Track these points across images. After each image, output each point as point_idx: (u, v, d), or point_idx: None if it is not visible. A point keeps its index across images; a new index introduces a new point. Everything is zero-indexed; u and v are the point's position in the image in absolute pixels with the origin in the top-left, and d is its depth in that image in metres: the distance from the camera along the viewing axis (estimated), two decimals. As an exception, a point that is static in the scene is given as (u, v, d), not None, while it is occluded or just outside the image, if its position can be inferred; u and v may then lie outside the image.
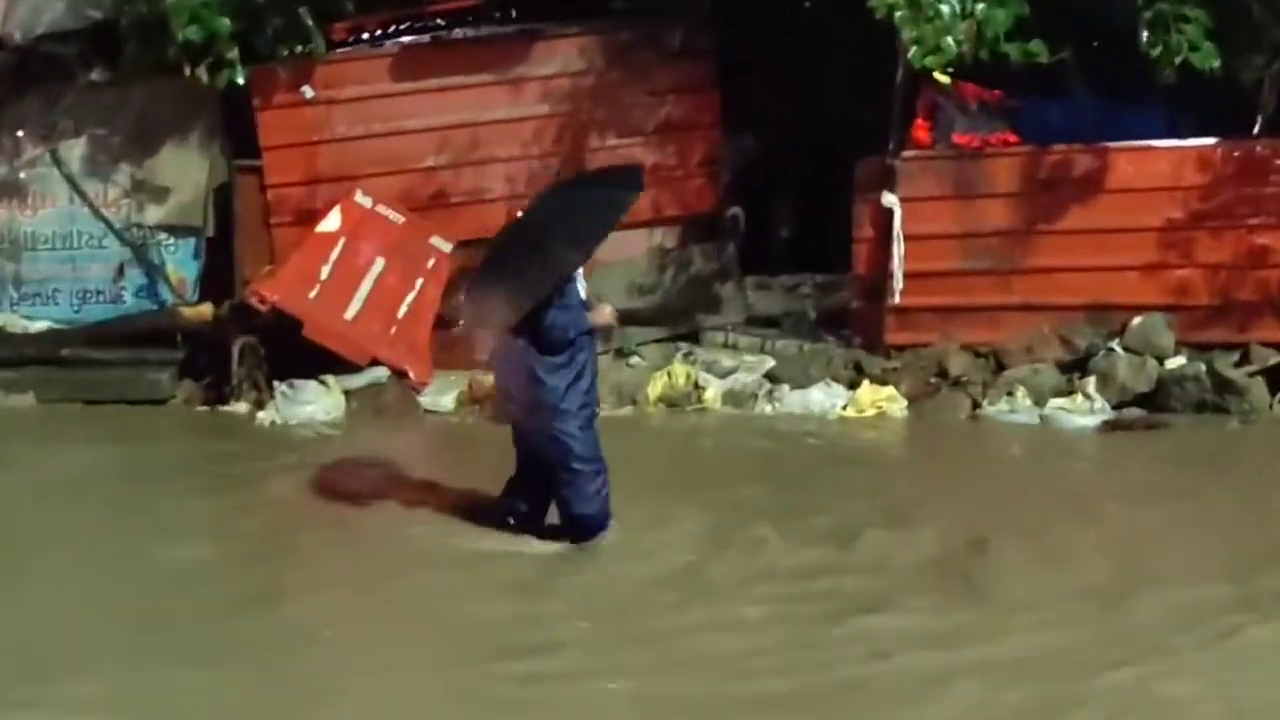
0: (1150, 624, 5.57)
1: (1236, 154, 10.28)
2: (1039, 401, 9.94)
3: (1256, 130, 10.44)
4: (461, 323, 6.91)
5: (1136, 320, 10.15)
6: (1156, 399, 9.88)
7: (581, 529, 6.61)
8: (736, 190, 11.55)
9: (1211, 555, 6.51)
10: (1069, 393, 9.99)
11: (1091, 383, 9.95)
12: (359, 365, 10.47)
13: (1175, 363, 10.05)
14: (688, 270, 11.36)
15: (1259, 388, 9.82)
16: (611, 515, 6.68)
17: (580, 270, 6.53)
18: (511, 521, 6.79)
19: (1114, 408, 9.84)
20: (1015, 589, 6.04)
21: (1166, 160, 10.33)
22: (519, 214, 6.73)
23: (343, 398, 10.31)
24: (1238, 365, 9.99)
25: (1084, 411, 9.80)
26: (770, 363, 10.69)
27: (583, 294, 6.55)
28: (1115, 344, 10.11)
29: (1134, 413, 9.82)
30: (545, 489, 6.64)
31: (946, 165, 10.65)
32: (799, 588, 6.15)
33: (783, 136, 11.32)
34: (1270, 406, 9.79)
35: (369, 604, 6.15)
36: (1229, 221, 10.24)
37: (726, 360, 10.82)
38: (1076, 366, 10.17)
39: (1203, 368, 9.86)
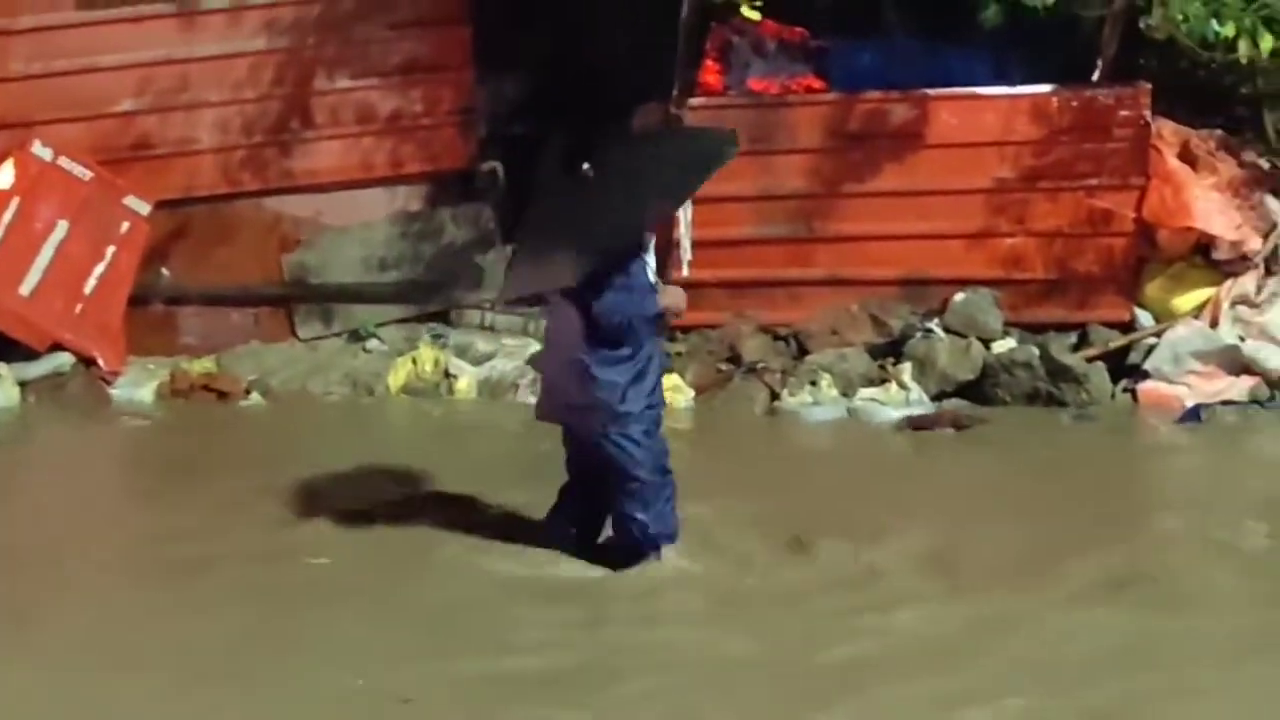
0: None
1: (1075, 104, 9.96)
2: (847, 391, 9.58)
3: (1096, 76, 10.16)
4: (505, 287, 6.40)
5: (959, 297, 9.85)
6: (982, 388, 9.54)
7: (646, 546, 6.16)
8: (495, 143, 10.99)
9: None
10: (881, 381, 9.66)
11: (907, 370, 9.64)
12: (37, 350, 9.88)
13: (1004, 346, 9.75)
14: (436, 238, 10.75)
15: (1099, 375, 9.54)
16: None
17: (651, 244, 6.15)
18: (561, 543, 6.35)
19: (933, 398, 9.52)
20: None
21: (995, 111, 9.99)
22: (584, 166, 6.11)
23: (16, 390, 9.69)
24: (1075, 349, 9.73)
25: (899, 403, 9.44)
26: (535, 347, 10.04)
27: (650, 273, 6.06)
28: (935, 324, 9.82)
29: (954, 404, 9.45)
30: (598, 505, 6.26)
31: (740, 115, 9.96)
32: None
33: (550, 79, 10.82)
34: (1112, 396, 9.52)
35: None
36: (1067, 182, 9.93)
37: (483, 344, 10.30)
38: (890, 351, 9.85)
39: (1035, 352, 9.54)
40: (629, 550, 6.21)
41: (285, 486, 7.39)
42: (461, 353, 10.16)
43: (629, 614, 5.90)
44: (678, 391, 9.57)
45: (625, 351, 5.93)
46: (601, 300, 5.83)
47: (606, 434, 5.96)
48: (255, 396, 9.82)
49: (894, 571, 6.34)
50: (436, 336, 10.34)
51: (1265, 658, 5.37)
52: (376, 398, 9.86)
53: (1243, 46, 9.20)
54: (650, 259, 6.11)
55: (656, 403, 6.15)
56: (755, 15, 9.66)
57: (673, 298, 6.22)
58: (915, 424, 9.07)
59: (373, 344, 10.38)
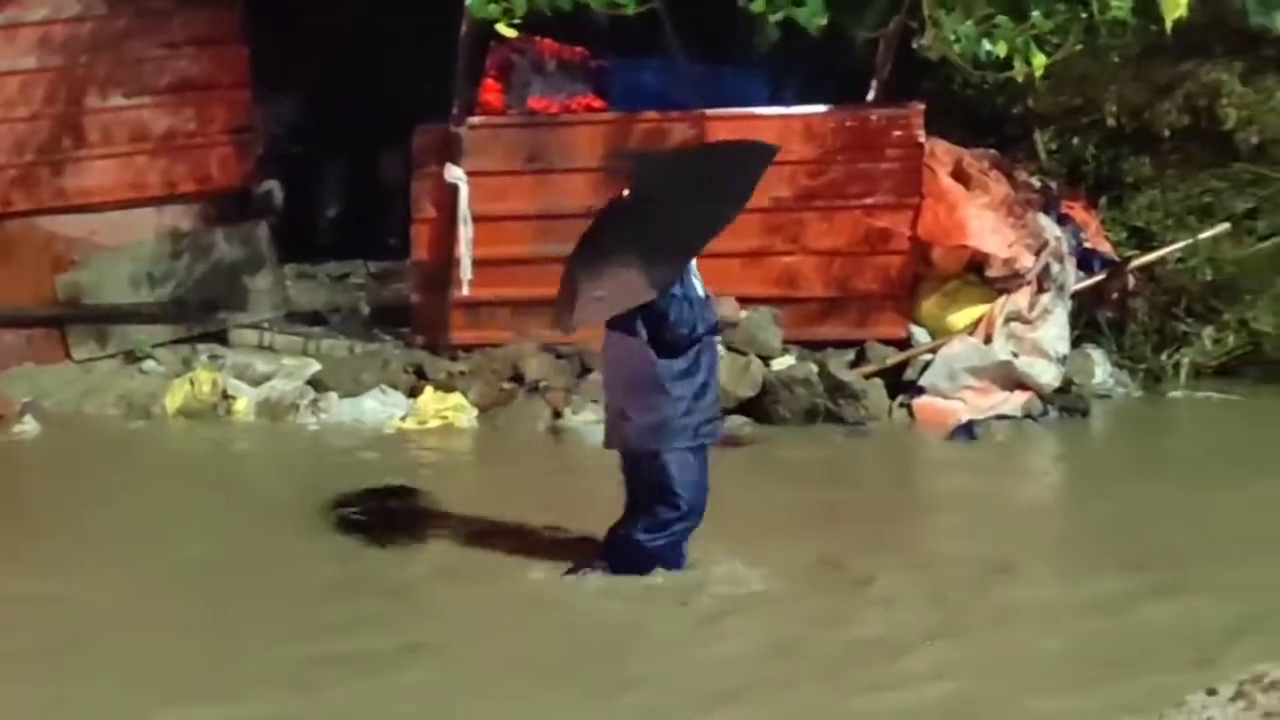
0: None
1: (849, 124, 10.73)
2: None
3: (871, 97, 10.95)
4: (577, 316, 6.51)
5: (740, 315, 10.35)
6: (762, 405, 10.15)
7: (642, 561, 6.56)
8: (272, 162, 11.56)
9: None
10: None
11: None
12: None
13: (783, 363, 10.38)
14: (210, 257, 11.25)
15: (877, 391, 10.23)
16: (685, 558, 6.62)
17: (695, 261, 6.52)
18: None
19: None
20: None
21: (770, 131, 10.30)
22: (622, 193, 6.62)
23: None
24: (853, 365, 10.41)
25: None
26: (314, 366, 10.67)
27: (699, 286, 6.51)
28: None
29: (735, 421, 9.97)
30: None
31: (520, 134, 10.81)
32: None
33: (329, 99, 11.43)
34: (889, 412, 10.22)
35: None
36: (843, 201, 10.68)
37: (262, 364, 10.76)
38: None
39: (814, 369, 10.19)
40: (623, 554, 6.66)
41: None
42: (239, 373, 10.60)
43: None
44: (460, 410, 10.17)
45: (689, 364, 6.38)
46: (669, 314, 6.31)
47: (665, 449, 6.41)
48: (29, 420, 10.11)
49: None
50: (214, 357, 10.79)
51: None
52: (153, 419, 10.26)
53: (1016, 66, 9.95)
54: (696, 273, 6.52)
55: (716, 416, 6.57)
56: (511, 32, 10.02)
57: (727, 308, 6.86)
58: None
59: (149, 365, 10.79)
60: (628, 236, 6.31)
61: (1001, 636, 6.12)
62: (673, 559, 6.60)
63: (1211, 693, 3.20)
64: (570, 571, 6.72)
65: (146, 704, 5.42)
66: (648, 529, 6.53)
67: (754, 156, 6.90)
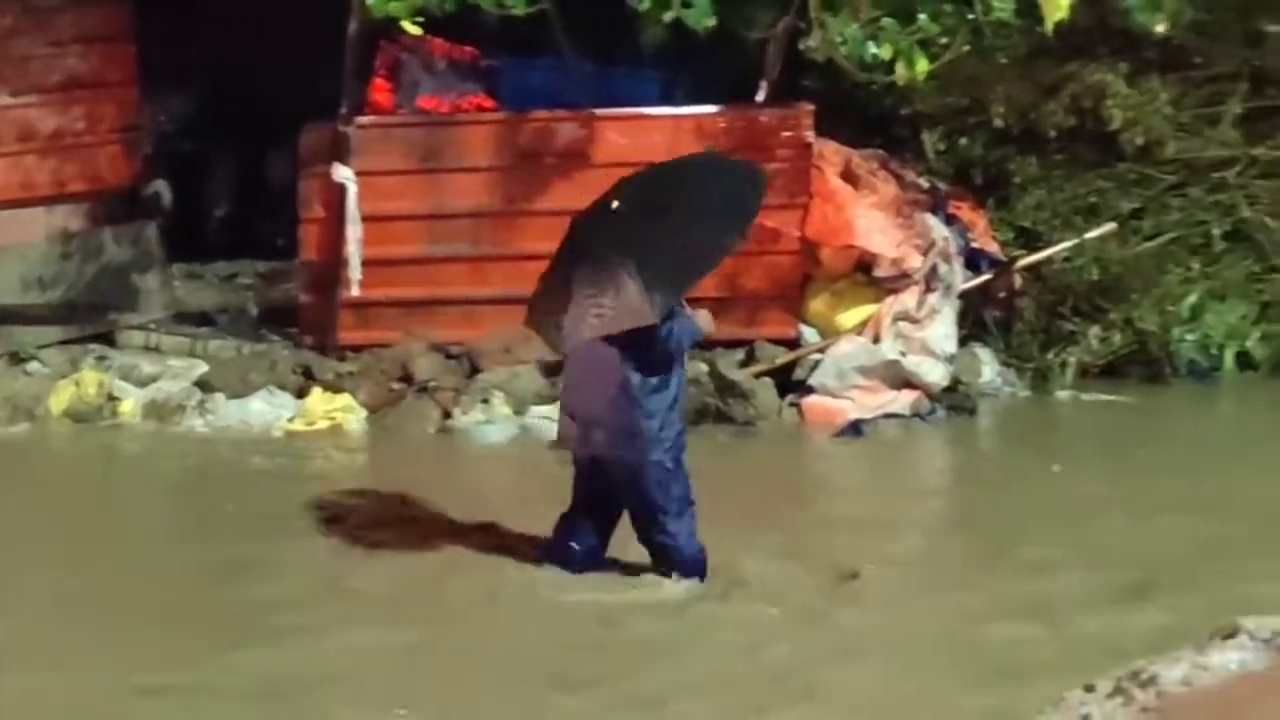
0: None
1: (739, 124, 11.02)
2: (519, 410, 10.40)
3: (760, 97, 11.25)
4: (571, 328, 6.64)
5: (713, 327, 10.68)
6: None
7: (698, 565, 6.92)
8: (161, 161, 11.69)
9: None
10: (553, 399, 10.08)
11: None
12: None
13: None
14: (98, 258, 11.37)
15: (766, 390, 10.53)
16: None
17: None
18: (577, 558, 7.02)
19: None
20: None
21: (661, 131, 10.92)
22: (612, 202, 6.79)
23: None
24: (743, 365, 10.70)
25: None
26: (202, 368, 10.83)
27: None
28: None
29: None
30: (613, 522, 6.97)
31: (410, 133, 11.02)
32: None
33: (218, 98, 11.59)
34: (779, 411, 10.54)
35: None
36: None
37: (148, 366, 10.89)
38: (561, 369, 10.42)
39: (704, 369, 10.42)
40: (683, 565, 6.97)
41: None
42: (126, 375, 10.73)
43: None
44: (349, 411, 10.38)
45: (663, 379, 6.69)
46: (666, 331, 6.55)
47: (645, 461, 6.69)
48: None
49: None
50: (100, 359, 10.91)
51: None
52: (37, 421, 10.39)
53: (899, 69, 10.23)
54: None
55: (684, 429, 6.82)
56: (417, 30, 10.22)
57: (705, 321, 7.06)
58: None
59: (34, 366, 10.89)
60: (630, 255, 6.43)
61: (889, 626, 6.44)
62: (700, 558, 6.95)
63: (1089, 689, 3.01)
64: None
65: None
66: (678, 537, 6.88)
67: (753, 182, 7.19)
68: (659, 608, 6.87)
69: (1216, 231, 11.76)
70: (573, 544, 7.14)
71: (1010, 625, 6.50)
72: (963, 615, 6.65)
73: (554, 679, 6.11)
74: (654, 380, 6.56)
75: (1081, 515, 8.09)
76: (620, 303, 6.34)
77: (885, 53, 10.17)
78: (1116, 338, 11.50)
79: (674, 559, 6.97)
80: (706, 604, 6.92)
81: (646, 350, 6.55)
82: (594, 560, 7.15)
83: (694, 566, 6.99)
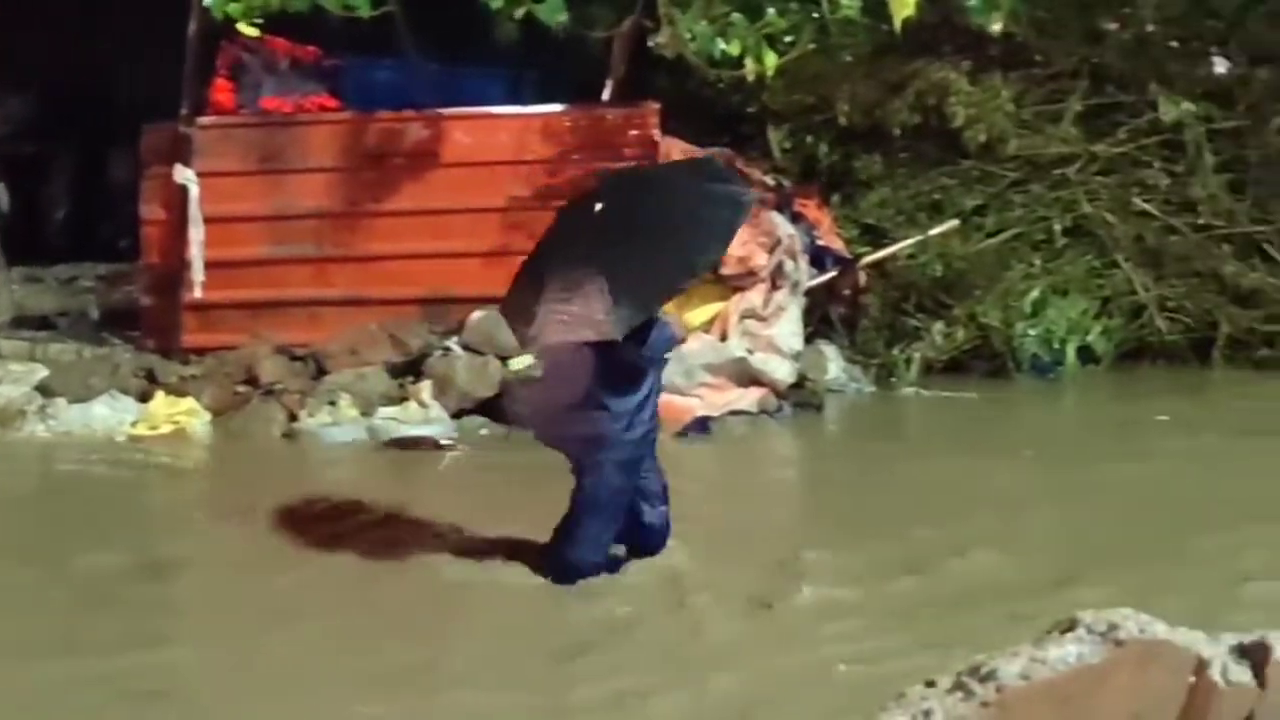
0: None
1: (585, 123, 11.38)
2: (367, 411, 10.58)
3: (607, 96, 11.63)
4: (543, 332, 6.62)
5: (477, 315, 10.92)
6: (501, 404, 10.57)
7: (571, 572, 6.92)
8: (-1, 162, 11.83)
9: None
10: (401, 400, 10.67)
11: (426, 388, 10.65)
12: None
13: (521, 362, 10.71)
14: (-68, 261, 11.46)
15: None
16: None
17: None
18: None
19: (453, 415, 10.56)
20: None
21: (508, 130, 11.32)
22: (595, 205, 6.79)
23: None
24: None
25: (419, 421, 10.47)
26: (42, 372, 10.92)
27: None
28: (453, 343, 10.91)
29: (475, 421, 10.58)
30: (634, 515, 6.95)
31: (252, 134, 11.28)
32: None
33: (57, 99, 11.73)
34: None
35: None
36: None
37: (-14, 371, 10.90)
38: (409, 370, 10.89)
39: None
40: (563, 564, 6.97)
41: None
42: None
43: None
44: (193, 414, 10.54)
45: (633, 383, 6.75)
46: (643, 341, 6.62)
47: (602, 460, 6.75)
48: None
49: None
50: None
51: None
52: None
53: (749, 64, 10.56)
54: None
55: (654, 429, 6.97)
56: (254, 31, 10.40)
57: (677, 327, 7.28)
58: (398, 444, 10.10)
59: None
60: (602, 264, 6.46)
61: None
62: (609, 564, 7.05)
63: (930, 684, 2.97)
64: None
65: None
66: (575, 536, 6.94)
67: (734, 193, 7.15)
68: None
69: (1058, 227, 12.33)
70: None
71: (873, 620, 6.60)
72: (816, 615, 6.73)
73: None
74: (624, 384, 6.73)
75: (943, 508, 8.31)
76: (584, 312, 6.35)
77: (734, 49, 10.49)
78: (960, 333, 12.00)
79: (562, 551, 7.02)
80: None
81: (616, 359, 6.62)
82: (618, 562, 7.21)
83: (570, 571, 7.01)
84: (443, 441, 10.11)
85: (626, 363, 6.64)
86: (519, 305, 6.81)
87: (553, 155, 11.37)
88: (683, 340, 7.53)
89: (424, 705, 5.73)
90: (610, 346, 6.45)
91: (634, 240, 6.54)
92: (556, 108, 11.46)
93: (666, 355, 7.01)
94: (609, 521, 6.83)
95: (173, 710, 5.80)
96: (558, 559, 7.01)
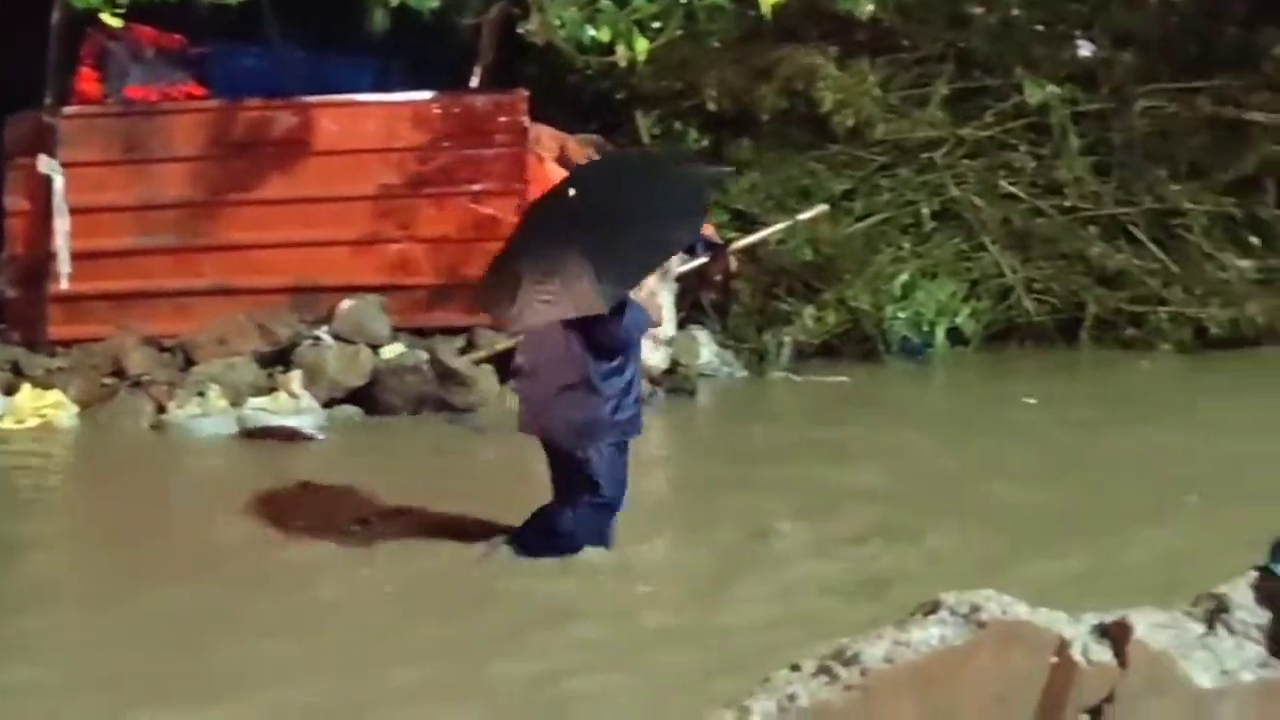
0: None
1: (455, 110, 11.54)
2: (236, 402, 10.67)
3: (475, 83, 11.85)
4: (521, 313, 6.80)
5: (347, 303, 11.12)
6: (372, 394, 10.83)
7: (560, 547, 7.13)
8: None
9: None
10: (271, 390, 10.77)
11: (296, 378, 10.76)
12: None
13: (392, 351, 11.10)
14: None
15: (487, 377, 10.99)
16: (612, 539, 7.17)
17: None
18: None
19: (325, 405, 10.71)
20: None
21: (377, 118, 11.46)
22: (568, 190, 7.00)
23: None
24: (463, 352, 11.16)
25: (290, 411, 10.56)
26: (-86, 363, 10.82)
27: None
28: (323, 332, 11.04)
29: (345, 410, 10.79)
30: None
31: (117, 123, 11.34)
32: None
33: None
34: (500, 397, 10.82)
35: None
36: (451, 188, 11.47)
37: None
38: (279, 359, 11.02)
39: (424, 356, 10.90)
40: (550, 542, 7.13)
41: None
42: None
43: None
44: (60, 407, 10.62)
45: (619, 364, 6.88)
46: (619, 321, 6.85)
47: (591, 445, 6.87)
48: None
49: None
50: None
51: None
52: None
53: (620, 50, 10.78)
54: None
55: (637, 415, 7.03)
56: (117, 22, 10.40)
57: (655, 310, 7.48)
58: (253, 434, 10.14)
59: None
60: (583, 244, 6.71)
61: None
62: (596, 539, 7.26)
63: (795, 669, 3.04)
64: (487, 552, 7.37)
65: None
66: (573, 516, 7.16)
67: (705, 174, 7.80)
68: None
69: (926, 211, 12.74)
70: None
71: (757, 607, 6.74)
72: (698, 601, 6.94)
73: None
74: (610, 365, 6.88)
75: (825, 491, 8.49)
76: (570, 290, 6.58)
77: (603, 35, 10.72)
78: (831, 317, 12.34)
79: (554, 536, 7.24)
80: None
81: (599, 337, 6.90)
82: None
83: (556, 543, 7.24)
84: (307, 431, 10.27)
85: (610, 343, 6.91)
86: (497, 294, 7.06)
87: (422, 143, 11.50)
88: (657, 323, 7.73)
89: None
90: (595, 325, 6.72)
91: (611, 222, 6.80)
92: (425, 95, 11.58)
93: (640, 338, 7.26)
94: (605, 505, 7.14)
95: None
96: (543, 529, 7.26)
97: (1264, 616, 3.33)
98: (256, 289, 11.34)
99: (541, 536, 7.24)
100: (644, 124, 12.62)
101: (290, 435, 10.11)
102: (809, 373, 11.88)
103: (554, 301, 6.67)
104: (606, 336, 6.81)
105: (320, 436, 10.24)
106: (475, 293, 7.90)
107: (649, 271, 7.18)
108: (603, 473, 6.98)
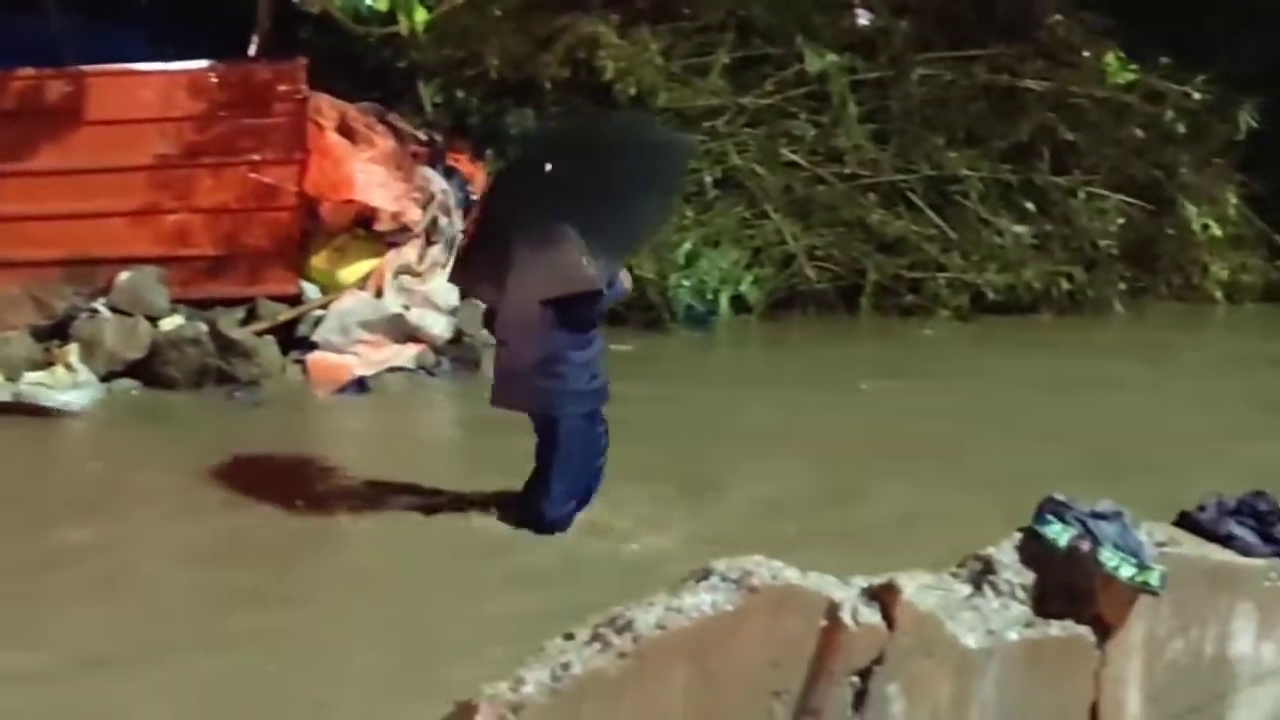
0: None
1: (233, 79, 11.77)
2: (12, 376, 10.76)
3: (252, 52, 12.11)
4: (526, 289, 7.12)
5: (124, 275, 11.30)
6: (152, 366, 11.05)
7: (549, 525, 7.57)
8: None
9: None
10: (47, 364, 10.90)
11: (74, 351, 10.91)
12: None
13: (172, 323, 11.31)
14: None
15: (269, 348, 11.30)
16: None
17: None
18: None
19: (103, 379, 10.89)
20: None
21: (153, 87, 11.65)
22: (542, 163, 7.28)
23: None
24: (244, 323, 11.45)
25: (67, 385, 10.73)
26: None
27: None
28: (100, 304, 11.20)
29: (125, 384, 11.01)
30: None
31: (-118, 93, 11.19)
32: None
33: None
34: (283, 369, 11.35)
35: None
36: (230, 157, 11.72)
37: None
38: (55, 333, 11.13)
39: (204, 328, 11.13)
40: (537, 517, 7.56)
41: None
42: None
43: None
44: None
45: (591, 335, 7.31)
46: (603, 296, 7.29)
47: (566, 413, 7.32)
48: None
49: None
50: None
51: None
52: None
53: (401, 20, 11.03)
54: None
55: (604, 383, 7.49)
56: None
57: (627, 281, 7.80)
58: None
59: None
60: (573, 220, 7.05)
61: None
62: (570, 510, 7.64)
63: (569, 637, 3.17)
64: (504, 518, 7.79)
65: None
66: (553, 503, 7.64)
67: (678, 146, 8.05)
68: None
69: (708, 179, 13.22)
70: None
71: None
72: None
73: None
74: (585, 336, 7.28)
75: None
76: (567, 266, 6.98)
77: (381, 4, 10.99)
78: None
79: (535, 507, 7.70)
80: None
81: (579, 311, 7.16)
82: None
83: (544, 524, 7.70)
84: (56, 406, 10.47)
85: (589, 316, 7.35)
86: (479, 269, 7.53)
87: (199, 112, 11.73)
88: (629, 292, 8.11)
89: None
90: (577, 299, 7.17)
91: (596, 195, 7.17)
92: (202, 64, 11.80)
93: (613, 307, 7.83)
94: (578, 475, 7.55)
95: None
96: (534, 514, 7.71)
97: (1029, 577, 3.67)
98: (31, 262, 11.41)
99: (533, 516, 7.65)
100: (426, 93, 12.92)
101: (37, 411, 10.28)
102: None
103: (555, 278, 7.10)
104: (588, 310, 7.22)
105: (75, 409, 10.42)
106: (452, 274, 8.29)
107: (638, 244, 7.88)
108: (575, 443, 7.42)
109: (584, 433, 7.43)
